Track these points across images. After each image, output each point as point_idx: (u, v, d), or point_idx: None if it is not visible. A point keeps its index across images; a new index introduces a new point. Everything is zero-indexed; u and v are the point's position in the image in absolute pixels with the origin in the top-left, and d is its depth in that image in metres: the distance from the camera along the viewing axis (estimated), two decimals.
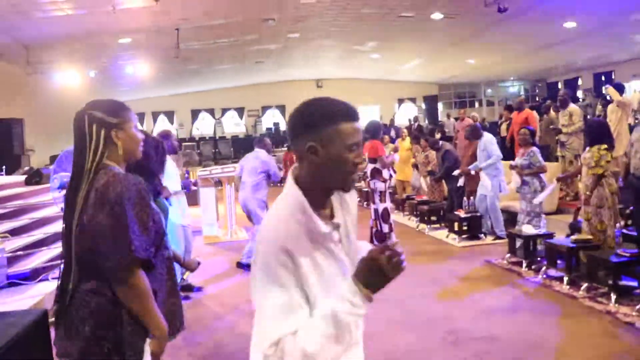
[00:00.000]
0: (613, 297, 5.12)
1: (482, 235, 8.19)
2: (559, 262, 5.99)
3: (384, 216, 7.89)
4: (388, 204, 7.94)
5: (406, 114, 23.00)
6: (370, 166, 7.95)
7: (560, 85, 22.96)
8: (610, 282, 5.17)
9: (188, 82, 21.52)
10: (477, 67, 22.01)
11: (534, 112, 10.70)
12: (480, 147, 8.22)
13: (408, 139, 11.51)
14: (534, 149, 7.18)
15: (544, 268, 6.19)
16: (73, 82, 14.77)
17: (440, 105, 24.85)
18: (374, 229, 8.00)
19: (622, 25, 15.12)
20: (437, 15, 14.69)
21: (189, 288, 6.32)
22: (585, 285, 5.52)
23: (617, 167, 7.48)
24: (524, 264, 6.51)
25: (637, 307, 4.88)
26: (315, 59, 20.56)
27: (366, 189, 8.28)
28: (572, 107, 9.18)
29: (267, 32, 15.86)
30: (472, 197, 8.38)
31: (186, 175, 13.19)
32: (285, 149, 18.70)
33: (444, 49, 19.02)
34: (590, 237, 5.94)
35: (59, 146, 14.45)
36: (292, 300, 1.51)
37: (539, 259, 6.46)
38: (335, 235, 1.67)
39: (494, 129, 13.96)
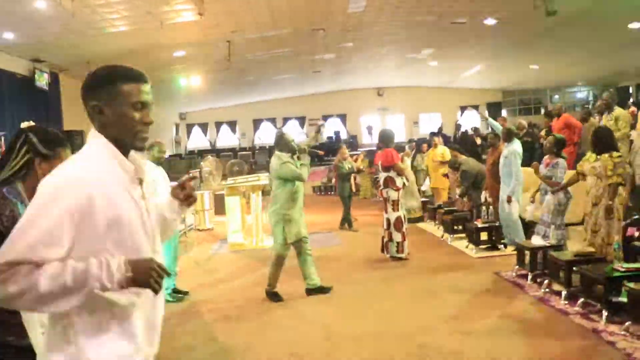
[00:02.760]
0: (604, 314, 4.82)
1: (503, 245, 7.88)
2: (561, 275, 5.68)
3: (397, 225, 7.78)
4: (401, 213, 7.80)
5: (470, 122, 22.47)
6: (383, 175, 7.86)
7: (631, 90, 21.80)
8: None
9: (248, 92, 21.96)
10: (542, 73, 21.30)
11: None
12: (503, 154, 7.89)
13: (440, 147, 11.28)
14: (560, 160, 6.76)
15: (546, 282, 5.90)
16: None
17: (504, 112, 24.12)
18: (385, 239, 7.88)
19: None
20: (490, 21, 14.38)
21: (178, 293, 6.48)
22: (580, 300, 5.23)
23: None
24: (529, 277, 6.23)
25: (625, 324, 4.56)
26: (373, 67, 20.53)
27: (380, 199, 8.09)
28: (619, 111, 8.67)
29: (319, 43, 15.98)
30: (491, 207, 8.08)
31: None
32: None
33: (504, 55, 18.61)
34: (592, 250, 5.63)
35: None
36: (56, 236, 1.57)
37: (546, 271, 6.15)
38: (138, 190, 1.80)
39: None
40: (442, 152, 11.20)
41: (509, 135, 7.93)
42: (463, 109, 24.54)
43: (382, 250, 7.95)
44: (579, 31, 14.90)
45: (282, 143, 6.26)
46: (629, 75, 20.91)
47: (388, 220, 7.83)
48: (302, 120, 24.72)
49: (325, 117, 24.29)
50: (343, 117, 24.18)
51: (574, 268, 5.39)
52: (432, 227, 10.22)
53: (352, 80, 22.60)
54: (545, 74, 21.53)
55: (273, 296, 6.19)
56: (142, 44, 13.19)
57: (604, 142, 5.84)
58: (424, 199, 11.63)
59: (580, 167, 6.09)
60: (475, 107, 23.81)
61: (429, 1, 12.97)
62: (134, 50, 13.41)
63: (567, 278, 5.48)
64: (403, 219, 7.80)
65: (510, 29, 15.14)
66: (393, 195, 7.81)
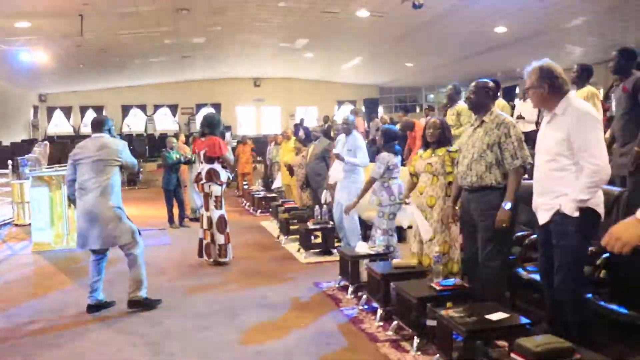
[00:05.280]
0: (416, 341, 3.86)
1: (337, 250, 6.88)
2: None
3: (220, 225, 6.61)
4: (224, 211, 6.62)
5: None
6: (206, 167, 6.65)
7: (499, 93, 21.84)
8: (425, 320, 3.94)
9: (116, 76, 20.21)
10: (417, 71, 21.07)
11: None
12: (347, 146, 6.81)
13: (293, 139, 10.20)
14: (382, 155, 5.81)
15: (365, 297, 4.91)
16: None
17: (380, 109, 23.70)
18: (204, 241, 6.68)
19: (555, 32, 14.33)
20: (363, 13, 13.72)
21: None
22: (395, 323, 4.25)
23: None
24: (350, 290, 5.23)
25: (435, 357, 3.62)
26: (248, 56, 19.35)
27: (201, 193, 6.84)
28: (461, 105, 7.95)
29: (184, 24, 14.60)
30: (325, 205, 7.07)
31: None
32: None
33: (380, 50, 18.14)
34: (413, 262, 4.69)
35: None
36: None
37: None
38: None
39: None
40: (294, 144, 10.13)
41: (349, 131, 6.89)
42: (340, 103, 23.88)
43: (200, 254, 6.74)
44: (450, 30, 14.55)
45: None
46: (497, 78, 20.90)
47: (209, 219, 6.66)
48: (174, 108, 23.05)
49: (199, 106, 22.75)
50: (217, 107, 22.73)
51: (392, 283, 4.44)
52: (273, 226, 9.13)
53: (228, 69, 21.35)
54: (421, 72, 21.33)
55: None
56: None
57: (442, 133, 4.97)
58: (272, 195, 10.56)
59: (412, 168, 5.16)
60: (353, 102, 23.26)
61: None
62: None
63: (384, 295, 4.52)
64: (226, 217, 6.62)
65: (384, 23, 14.51)
66: (216, 190, 6.66)
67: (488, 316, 3.38)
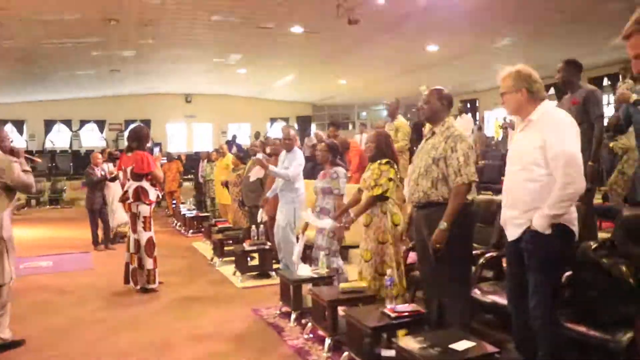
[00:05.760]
0: None
1: (275, 272, 6.43)
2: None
3: (148, 248, 6.04)
4: (153, 233, 6.04)
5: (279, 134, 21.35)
6: (133, 185, 6.06)
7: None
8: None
9: (39, 88, 18.94)
10: (350, 89, 20.93)
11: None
12: (285, 163, 6.35)
13: (229, 156, 9.69)
14: (339, 169, 5.46)
15: (309, 325, 4.47)
16: None
17: (313, 127, 23.44)
18: (131, 266, 6.08)
19: (484, 53, 14.59)
20: (297, 29, 13.41)
21: None
22: (345, 354, 3.83)
23: None
24: (292, 318, 4.77)
25: None
26: (180, 71, 18.65)
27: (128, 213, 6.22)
28: (401, 121, 7.75)
29: (113, 36, 13.83)
30: (262, 225, 6.61)
31: None
32: None
33: (314, 67, 17.86)
34: (362, 285, 4.31)
35: None
36: None
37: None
38: None
39: None
40: (228, 161, 9.61)
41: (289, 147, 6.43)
42: (273, 120, 23.45)
43: (126, 281, 6.13)
44: (384, 48, 14.50)
45: None
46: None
47: (137, 242, 6.06)
48: (101, 123, 21.92)
49: (128, 122, 21.78)
50: (147, 123, 21.74)
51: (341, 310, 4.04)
52: (206, 248, 8.55)
53: (159, 83, 20.48)
54: (354, 90, 21.19)
55: None
56: None
57: (381, 146, 4.66)
58: (205, 214, 9.98)
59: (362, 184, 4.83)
60: (286, 120, 22.91)
61: (232, 2, 11.60)
62: None
63: (332, 322, 4.09)
64: (154, 240, 6.05)
65: (318, 39, 14.28)
66: (144, 210, 6.08)
67: (452, 345, 3.02)
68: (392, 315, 3.61)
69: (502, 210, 3.32)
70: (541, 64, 6.79)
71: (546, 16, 11.55)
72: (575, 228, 3.10)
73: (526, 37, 13.30)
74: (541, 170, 3.04)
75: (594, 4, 10.66)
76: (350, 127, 23.94)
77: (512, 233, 3.22)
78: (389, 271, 4.08)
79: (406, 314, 3.63)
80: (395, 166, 4.62)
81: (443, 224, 3.55)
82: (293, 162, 6.17)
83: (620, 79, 11.80)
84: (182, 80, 20.24)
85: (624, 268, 3.37)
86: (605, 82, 14.79)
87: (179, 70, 18.50)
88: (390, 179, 4.49)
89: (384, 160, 4.63)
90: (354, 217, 4.65)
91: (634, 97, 4.48)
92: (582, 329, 3.27)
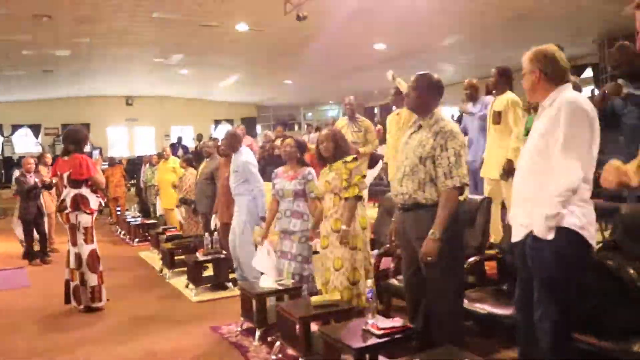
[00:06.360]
0: None
1: (232, 283, 5.89)
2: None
3: (91, 263, 5.38)
4: (96, 245, 5.40)
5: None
6: (71, 192, 5.38)
7: (376, 111, 21.85)
8: None
9: None
10: (296, 89, 20.49)
11: None
12: (232, 168, 5.80)
13: (172, 159, 9.06)
14: (311, 170, 4.91)
15: (277, 344, 3.96)
16: None
17: (259, 128, 22.85)
18: (72, 283, 5.41)
19: (431, 51, 14.43)
20: (242, 27, 12.86)
21: None
22: None
23: None
24: (257, 335, 4.24)
25: None
26: (119, 72, 17.71)
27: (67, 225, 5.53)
28: (367, 121, 7.37)
29: (45, 34, 12.87)
30: (216, 232, 6.05)
31: None
32: None
33: (259, 67, 17.38)
34: (335, 297, 3.84)
35: None
36: None
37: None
38: None
39: None
40: (173, 165, 8.96)
41: (234, 141, 5.87)
42: (217, 122, 22.70)
43: (67, 300, 5.44)
44: (331, 46, 14.10)
45: None
46: (375, 96, 20.90)
47: (78, 256, 5.38)
48: (36, 128, 20.62)
49: (65, 126, 20.57)
50: (87, 127, 20.63)
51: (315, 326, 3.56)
52: (154, 258, 7.88)
53: (97, 85, 19.41)
54: (300, 90, 20.77)
55: None
56: None
57: (338, 144, 4.21)
58: (151, 221, 9.29)
59: (316, 190, 4.35)
60: (230, 122, 22.25)
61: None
62: None
63: (305, 341, 3.60)
64: (98, 253, 5.39)
65: (263, 38, 13.81)
66: (85, 220, 5.40)
67: None
68: (377, 332, 3.15)
69: (512, 206, 2.92)
70: (487, 63, 6.58)
71: (493, 16, 11.46)
72: (588, 234, 2.63)
73: (473, 36, 13.22)
74: (545, 161, 2.63)
75: (541, 4, 10.61)
76: (297, 127, 23.45)
77: (517, 233, 2.82)
78: (369, 282, 3.61)
79: (393, 330, 3.17)
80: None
81: (434, 234, 3.10)
82: (249, 174, 5.66)
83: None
84: (122, 82, 19.24)
85: (631, 271, 3.04)
86: None
87: (118, 71, 17.57)
88: (364, 176, 4.05)
89: (348, 158, 4.18)
90: (347, 227, 4.05)
91: (625, 90, 4.18)
92: (590, 339, 2.91)
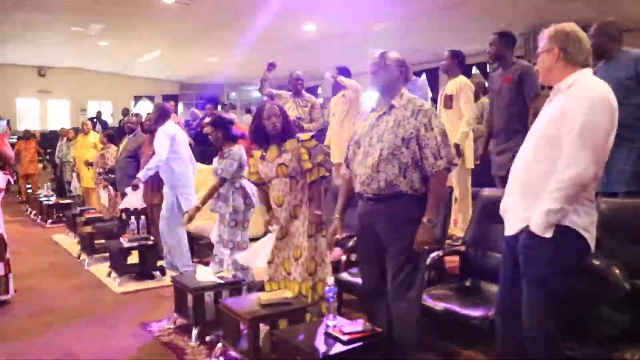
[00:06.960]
0: None
1: (160, 272, 5.30)
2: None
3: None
4: (3, 229, 4.66)
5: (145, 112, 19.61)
6: None
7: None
8: None
9: None
10: (220, 68, 19.64)
11: None
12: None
13: (93, 134, 8.26)
14: (233, 149, 4.40)
15: (220, 345, 3.48)
16: None
17: (181, 106, 21.84)
18: None
19: (360, 36, 14.07)
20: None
21: None
22: None
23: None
24: (194, 334, 3.73)
25: None
26: (32, 40, 16.28)
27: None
28: (313, 98, 6.90)
29: None
30: (143, 216, 5.44)
31: None
32: None
33: (183, 43, 16.42)
34: (287, 294, 3.40)
35: None
36: None
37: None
38: None
39: None
40: (94, 140, 8.15)
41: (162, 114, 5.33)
42: (137, 98, 21.48)
43: None
44: (257, 25, 13.53)
45: None
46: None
47: None
48: None
49: None
50: None
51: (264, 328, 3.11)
52: (70, 242, 7.11)
53: (5, 52, 17.81)
54: (224, 69, 19.92)
55: None
56: None
57: (288, 123, 3.77)
58: (67, 201, 8.44)
59: (254, 177, 3.84)
60: (151, 98, 21.12)
61: None
62: None
63: (254, 345, 3.14)
64: (5, 238, 4.66)
65: (189, 12, 13.10)
66: None
67: None
68: (343, 338, 2.73)
69: (504, 196, 2.57)
70: (418, 49, 6.27)
71: (423, 2, 11.27)
72: (589, 235, 2.33)
73: (403, 21, 13.00)
74: (554, 149, 2.28)
75: None
76: (219, 107, 22.65)
77: (510, 226, 2.48)
78: (330, 280, 3.16)
79: (359, 335, 2.76)
80: None
81: (429, 220, 2.81)
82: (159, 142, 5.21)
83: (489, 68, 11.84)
84: (34, 51, 17.73)
85: (617, 271, 2.78)
86: (475, 70, 14.88)
87: (30, 39, 16.13)
88: (327, 154, 3.62)
89: (304, 136, 3.72)
90: (319, 213, 3.60)
91: None
92: (572, 345, 2.63)
